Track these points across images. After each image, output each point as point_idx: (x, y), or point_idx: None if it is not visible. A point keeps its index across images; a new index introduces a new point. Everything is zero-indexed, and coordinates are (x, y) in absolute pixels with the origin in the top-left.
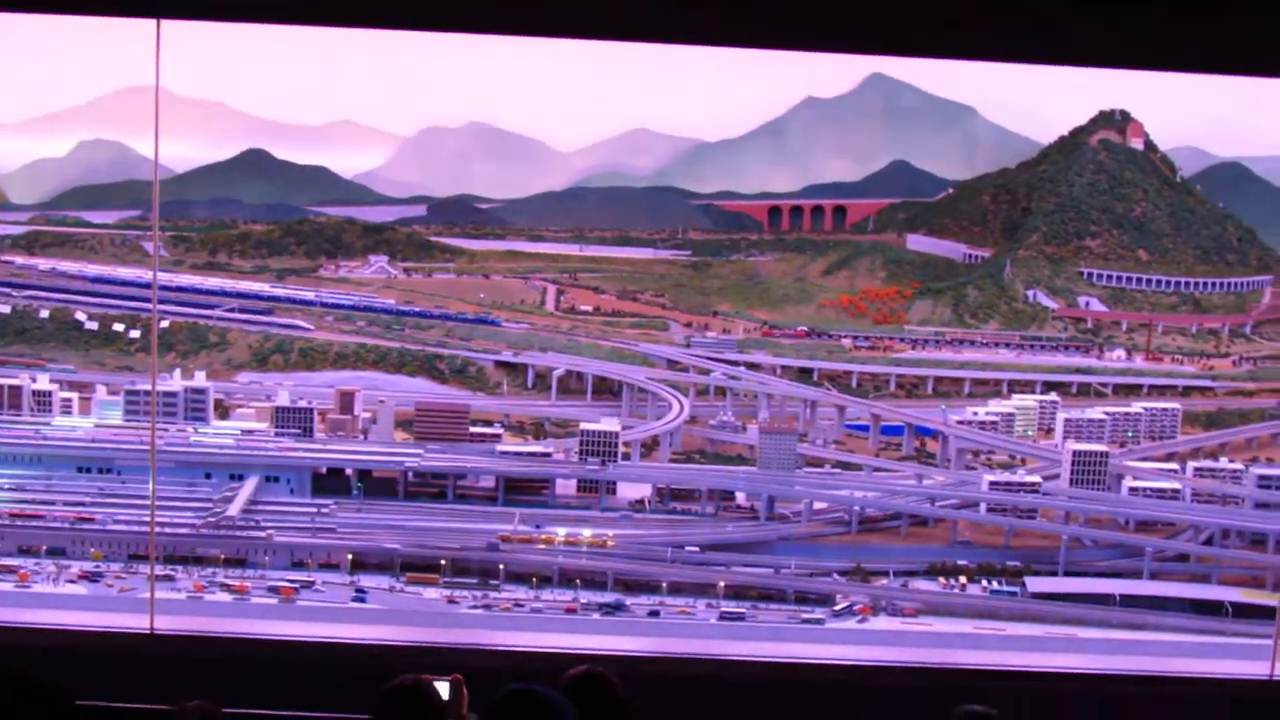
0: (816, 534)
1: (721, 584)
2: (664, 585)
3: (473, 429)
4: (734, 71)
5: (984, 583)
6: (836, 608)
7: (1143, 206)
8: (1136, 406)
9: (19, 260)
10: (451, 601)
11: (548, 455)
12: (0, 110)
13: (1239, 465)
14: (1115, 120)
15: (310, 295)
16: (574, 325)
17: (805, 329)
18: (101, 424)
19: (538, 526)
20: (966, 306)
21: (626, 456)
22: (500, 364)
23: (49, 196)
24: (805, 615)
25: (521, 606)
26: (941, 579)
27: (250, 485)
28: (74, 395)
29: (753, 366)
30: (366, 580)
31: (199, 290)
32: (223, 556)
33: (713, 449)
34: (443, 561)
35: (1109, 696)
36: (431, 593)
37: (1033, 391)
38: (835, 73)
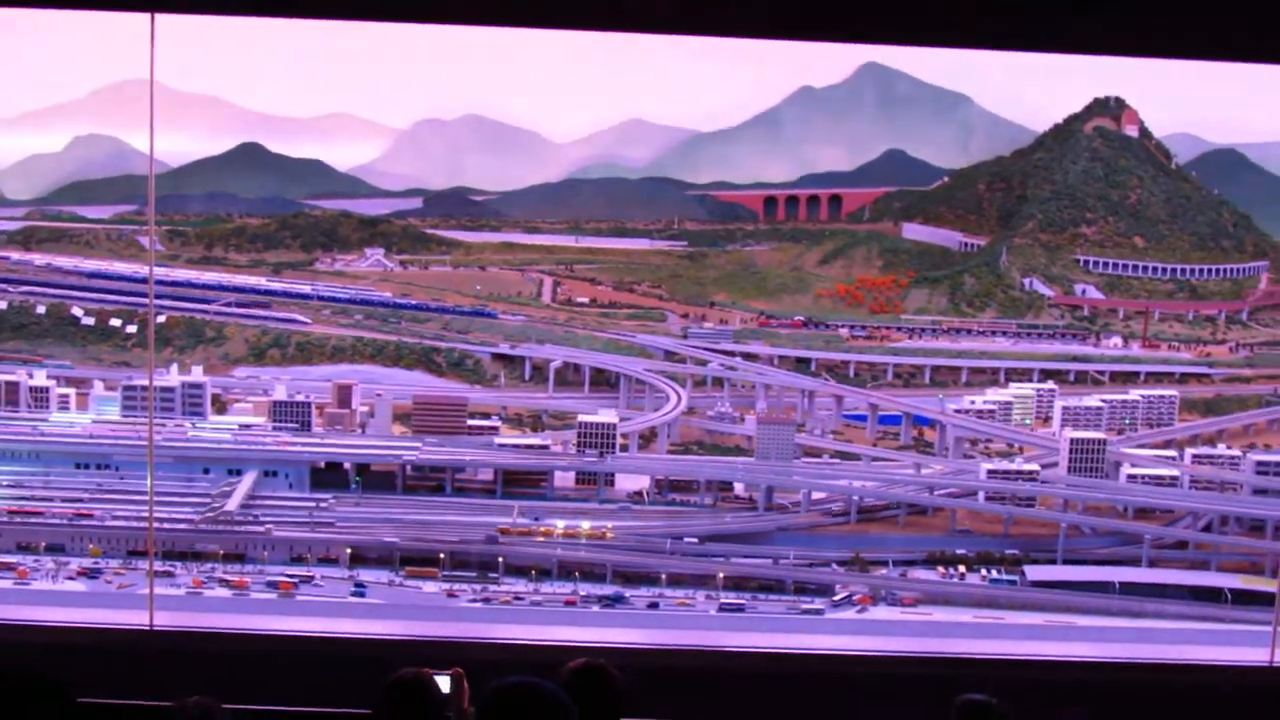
0: (815, 524)
1: (721, 575)
2: (663, 577)
3: (470, 422)
4: (728, 62)
5: (983, 571)
6: (836, 598)
7: (1138, 193)
8: (1134, 394)
9: (15, 256)
10: (451, 595)
11: (546, 447)
12: None
13: (1236, 452)
14: (1110, 107)
15: (307, 289)
16: (571, 317)
17: (802, 319)
18: (99, 420)
19: (536, 519)
20: (963, 295)
21: (625, 448)
22: (497, 356)
23: (44, 192)
24: (805, 605)
25: (521, 599)
26: (940, 568)
27: (248, 480)
28: (71, 391)
29: (750, 357)
30: (366, 574)
31: (195, 285)
32: (221, 552)
33: (711, 440)
34: (442, 555)
35: (1108, 684)
36: (431, 586)
37: (1030, 380)
38: (829, 62)
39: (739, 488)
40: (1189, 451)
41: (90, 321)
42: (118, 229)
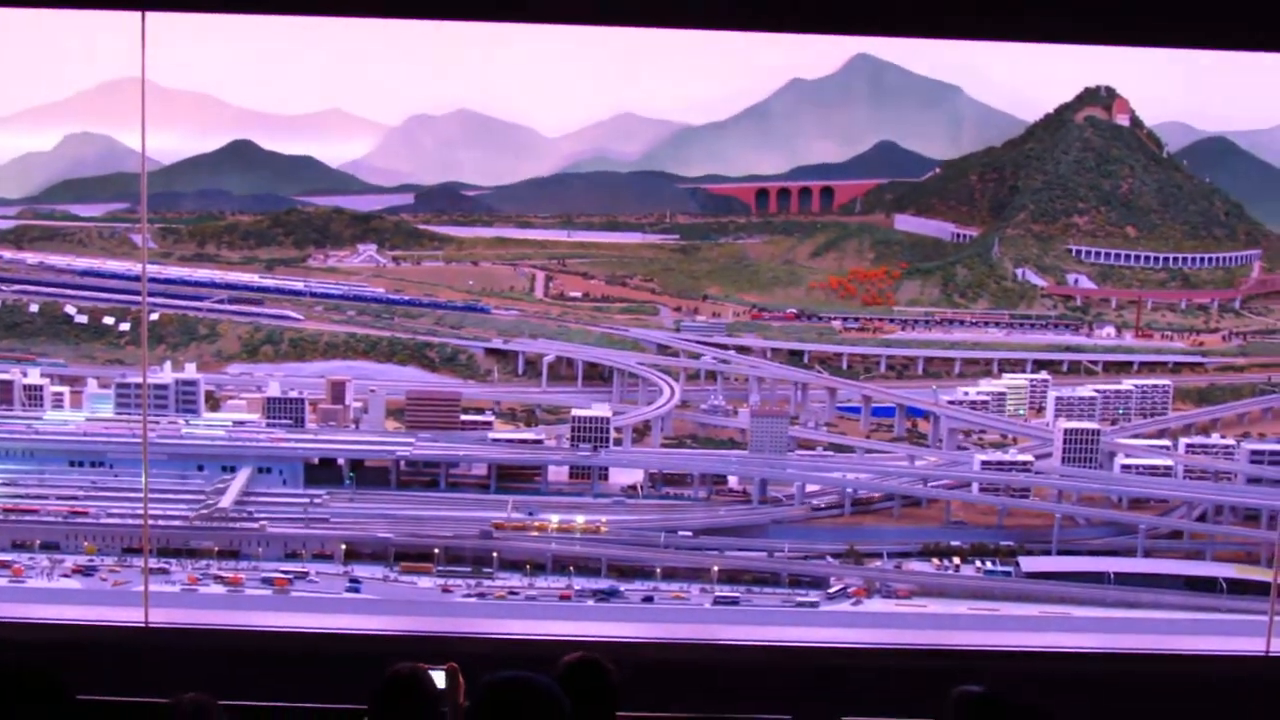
0: (810, 516)
1: (715, 568)
2: (658, 571)
3: (464, 417)
4: (719, 54)
5: (978, 563)
6: (831, 590)
7: (1130, 183)
8: (1127, 383)
9: (7, 254)
10: (445, 590)
11: (539, 442)
12: None
13: (1231, 441)
14: (1101, 97)
15: (299, 285)
16: (563, 311)
17: (795, 311)
18: (93, 417)
19: (531, 513)
20: (955, 286)
21: (618, 442)
22: (490, 351)
23: (36, 190)
24: (800, 598)
25: (516, 594)
26: (935, 560)
27: (242, 477)
28: (65, 389)
29: (743, 350)
30: (360, 570)
31: (188, 282)
32: (216, 548)
33: (704, 433)
34: (436, 550)
35: (1104, 675)
36: (425, 581)
37: (1023, 370)
38: (819, 54)
39: (733, 481)
40: (1183, 441)
41: (83, 319)
42: (110, 227)
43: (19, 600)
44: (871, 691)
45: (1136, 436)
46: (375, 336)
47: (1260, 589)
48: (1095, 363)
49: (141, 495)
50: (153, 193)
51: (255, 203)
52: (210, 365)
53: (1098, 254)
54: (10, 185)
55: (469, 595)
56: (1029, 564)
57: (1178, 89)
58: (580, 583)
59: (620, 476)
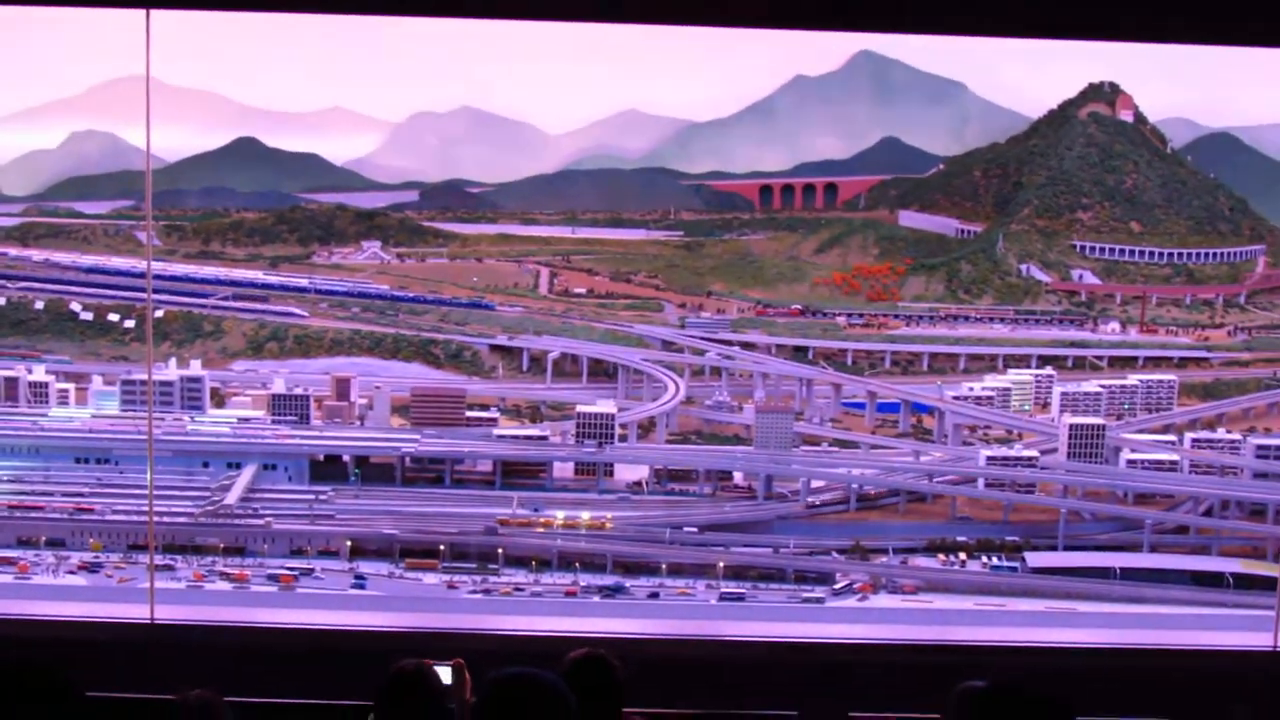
0: (807, 514)
1: (721, 564)
2: (663, 567)
3: (469, 413)
4: (723, 51)
5: (984, 558)
6: (836, 586)
7: (1134, 178)
8: (1132, 378)
9: (13, 252)
10: (451, 586)
11: (544, 438)
12: None
13: (1236, 436)
14: (1104, 93)
15: (304, 282)
16: (568, 308)
17: (799, 307)
18: (98, 414)
19: (536, 510)
20: (960, 282)
21: (623, 438)
22: (495, 348)
23: (42, 188)
24: (805, 594)
25: (521, 590)
26: (941, 555)
27: (248, 473)
28: (70, 386)
29: (748, 346)
30: (366, 566)
31: (193, 279)
32: (222, 545)
33: (709, 429)
34: (441, 546)
35: (1110, 670)
36: (431, 578)
37: (1028, 366)
38: (823, 51)
39: (738, 477)
40: (1188, 436)
41: (89, 316)
42: (115, 224)
43: (24, 597)
44: (877, 687)
45: (1142, 432)
46: (380, 333)
47: (1266, 584)
48: (1100, 358)
49: (147, 492)
50: (158, 190)
51: (260, 200)
52: (215, 362)
53: (1102, 249)
54: (16, 183)
55: (474, 591)
56: (1035, 559)
57: (1181, 85)
58: (586, 579)
59: (625, 473)
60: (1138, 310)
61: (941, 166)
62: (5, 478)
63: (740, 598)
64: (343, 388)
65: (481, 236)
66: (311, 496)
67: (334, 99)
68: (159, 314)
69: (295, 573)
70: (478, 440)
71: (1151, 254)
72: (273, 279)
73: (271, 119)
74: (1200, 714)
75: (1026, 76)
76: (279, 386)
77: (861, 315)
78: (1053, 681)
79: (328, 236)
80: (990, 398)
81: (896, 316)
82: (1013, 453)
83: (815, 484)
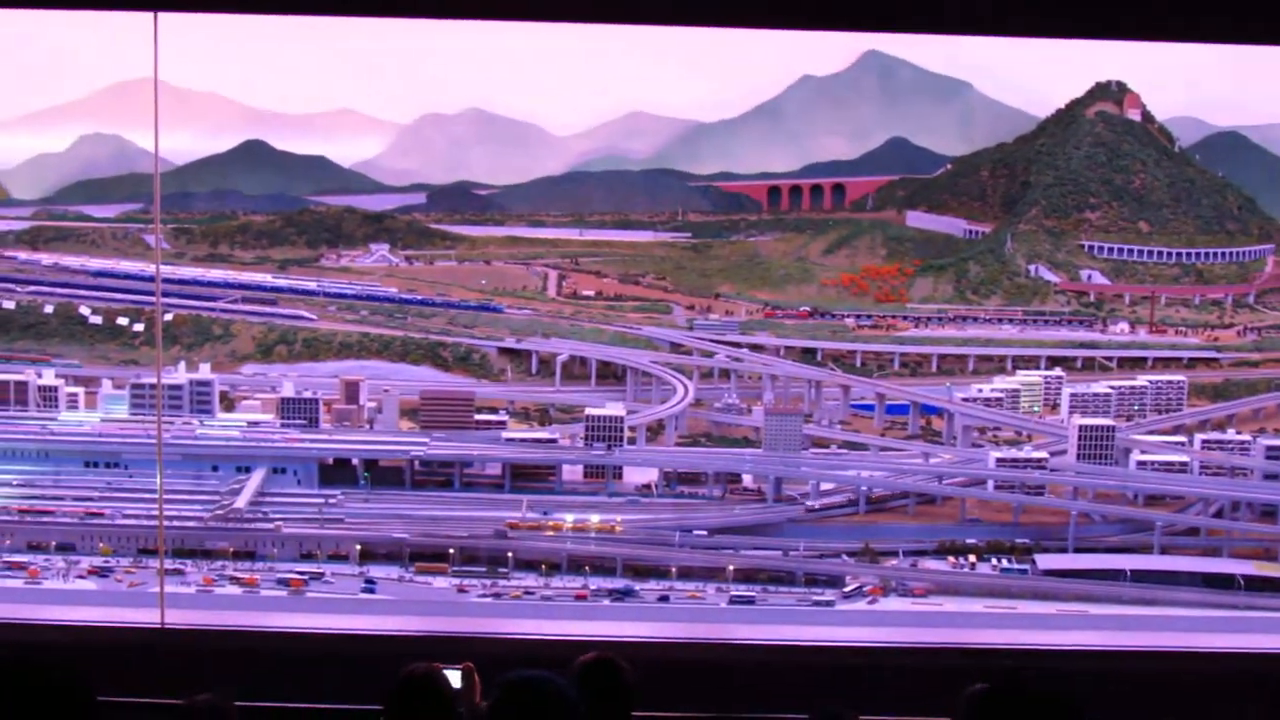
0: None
1: (730, 567)
2: (673, 570)
3: (478, 416)
4: (729, 51)
5: (994, 561)
6: (846, 589)
7: (1142, 178)
8: (1142, 379)
9: (22, 256)
10: (461, 590)
11: (553, 441)
12: (0, 106)
13: (1246, 436)
14: (1112, 92)
15: (313, 285)
16: (576, 310)
17: (808, 309)
18: (108, 418)
19: (545, 513)
20: (968, 282)
21: (632, 441)
22: (504, 351)
23: (50, 191)
24: (815, 597)
25: (531, 594)
26: (951, 558)
27: (257, 477)
28: (79, 390)
29: (756, 348)
30: (375, 570)
31: (202, 282)
32: (231, 549)
33: (718, 432)
34: (451, 550)
35: (1121, 673)
36: (441, 582)
37: (1037, 367)
38: (830, 51)
39: (747, 479)
40: (1199, 437)
41: (98, 320)
42: (124, 228)
43: (35, 602)
44: (888, 690)
45: (1152, 433)
46: (389, 336)
47: (1277, 586)
48: (1109, 359)
49: (157, 496)
50: (166, 193)
51: (268, 203)
52: (224, 366)
53: (1111, 249)
54: (24, 187)
55: (484, 595)
56: (1045, 561)
57: (1189, 83)
58: (596, 582)
59: (635, 475)
60: (1147, 310)
61: (949, 167)
62: (15, 482)
63: (750, 601)
64: (352, 391)
65: (489, 239)
66: (321, 500)
67: (342, 101)
68: (168, 317)
69: (305, 577)
70: (487, 443)
71: (1160, 254)
72: (281, 282)
73: (279, 121)
74: (1213, 716)
75: (1034, 76)
76: (288, 390)
77: (870, 316)
78: (1064, 684)
79: (336, 239)
80: (999, 399)
81: (905, 318)
82: (1022, 454)
83: (822, 487)
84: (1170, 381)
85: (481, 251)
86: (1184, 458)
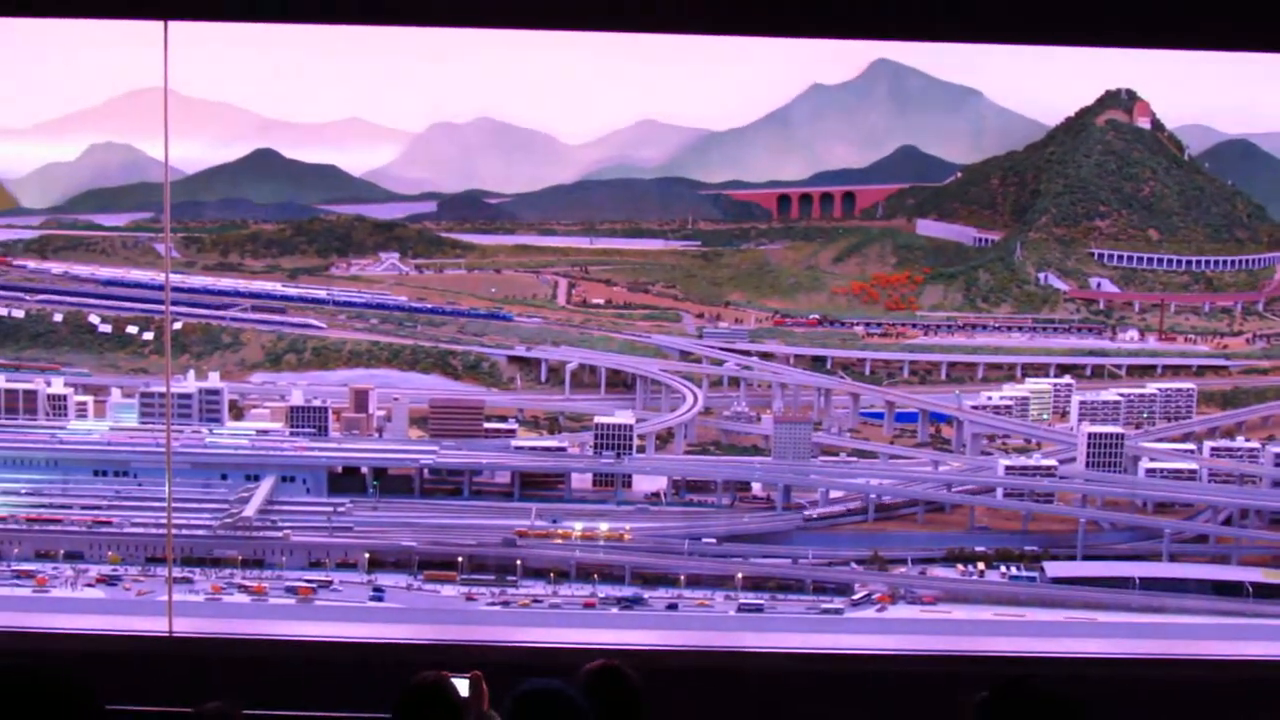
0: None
1: (739, 575)
2: (682, 578)
3: (487, 424)
4: (739, 60)
5: (1002, 568)
6: (855, 597)
7: (1151, 186)
8: (1151, 387)
9: (32, 264)
10: (469, 598)
11: (563, 449)
12: (10, 115)
13: (1255, 444)
14: (1121, 100)
15: (322, 294)
16: (586, 319)
17: (817, 317)
18: (117, 427)
19: (554, 521)
20: (978, 290)
21: (641, 449)
22: (513, 359)
23: (60, 200)
24: (824, 605)
25: (540, 602)
26: (960, 565)
27: (266, 485)
28: (89, 399)
29: (766, 356)
30: (384, 579)
31: (211, 291)
32: (240, 557)
33: (728, 440)
34: (460, 558)
35: (1130, 680)
36: (449, 590)
37: (1046, 375)
38: (840, 59)
39: (756, 487)
40: (1208, 444)
41: (107, 329)
42: (134, 236)
43: (43, 610)
44: (897, 697)
45: (1161, 440)
46: (398, 344)
47: None
48: (1119, 366)
49: (165, 505)
50: (176, 202)
51: (278, 211)
52: (234, 374)
53: (1120, 257)
54: (34, 195)
55: (493, 603)
56: (1054, 569)
57: (1198, 91)
58: (604, 590)
59: (644, 483)
60: (1156, 318)
61: (959, 175)
62: (23, 490)
63: (759, 609)
64: (361, 399)
65: (500, 247)
66: (330, 508)
67: (352, 110)
68: (177, 326)
69: (314, 585)
70: (496, 451)
71: (1169, 261)
72: (291, 291)
73: (290, 130)
74: None
75: (1044, 84)
76: (297, 398)
77: (880, 324)
78: (1072, 691)
79: (346, 248)
80: (1009, 407)
81: (915, 325)
82: (1031, 462)
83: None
84: (1179, 389)
85: (491, 260)
86: (1193, 465)
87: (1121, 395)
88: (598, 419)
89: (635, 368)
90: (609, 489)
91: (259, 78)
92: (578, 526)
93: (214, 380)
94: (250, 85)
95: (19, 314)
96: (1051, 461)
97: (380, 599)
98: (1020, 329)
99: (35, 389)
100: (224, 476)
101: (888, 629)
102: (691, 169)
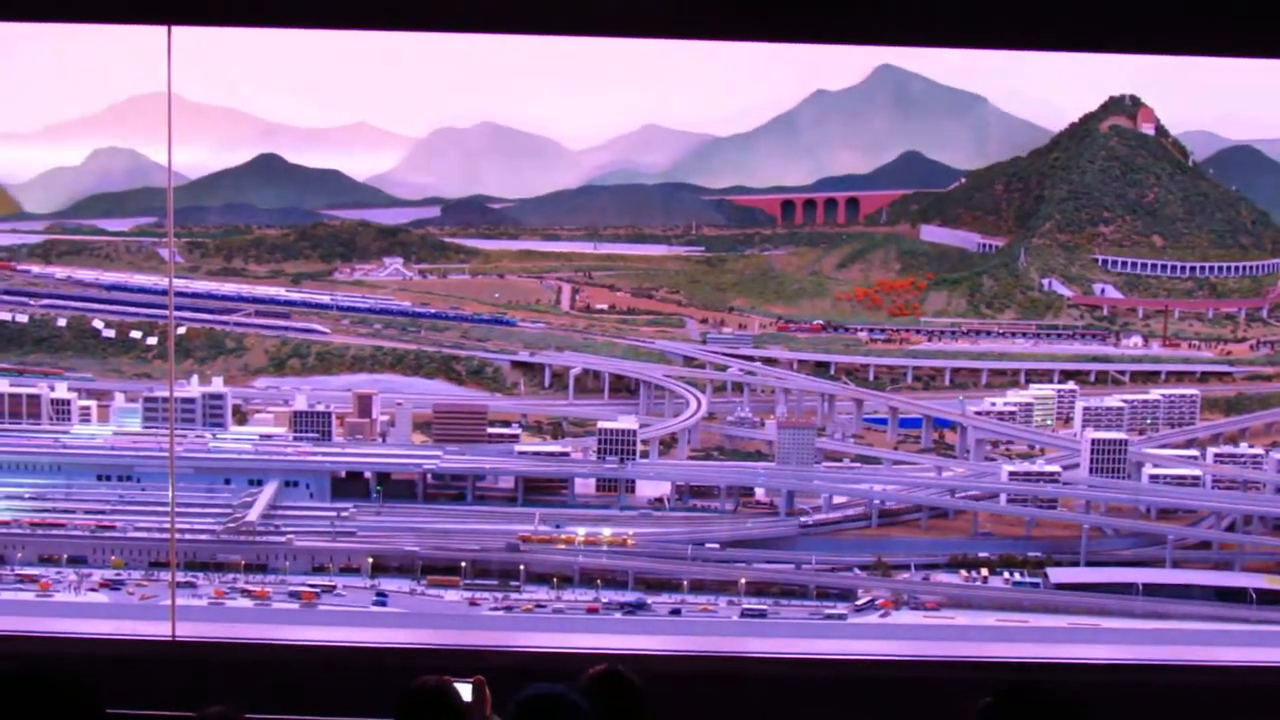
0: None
1: (743, 580)
2: (685, 583)
3: (491, 430)
4: (743, 65)
5: (1006, 574)
6: (858, 602)
7: (1155, 192)
8: (1155, 393)
9: (36, 269)
10: (473, 603)
11: (566, 454)
12: (15, 120)
13: (1259, 450)
14: (1125, 106)
15: (326, 299)
16: (590, 324)
17: (821, 323)
18: (120, 431)
19: (558, 526)
20: (982, 296)
21: (645, 454)
22: (517, 364)
23: (64, 205)
24: (828, 610)
25: (543, 607)
26: (963, 571)
27: (270, 490)
28: (92, 403)
29: (769, 361)
30: (387, 583)
31: (215, 296)
32: (243, 562)
33: (731, 445)
34: (463, 563)
35: (1133, 686)
36: (452, 595)
37: (1050, 381)
38: (844, 65)
39: (760, 493)
40: (1211, 451)
41: (111, 334)
42: (137, 241)
43: (46, 614)
44: (900, 703)
45: (1164, 446)
46: (402, 349)
47: None
48: (1122, 373)
49: (169, 509)
50: (180, 207)
51: (282, 216)
52: (237, 379)
53: (1124, 263)
54: (39, 200)
55: (496, 608)
56: (1057, 575)
57: (1203, 97)
58: (607, 595)
59: (647, 489)
60: (1160, 324)
61: (963, 181)
62: (27, 495)
63: (762, 614)
64: (364, 404)
65: (503, 252)
66: (333, 513)
67: (356, 115)
68: (181, 331)
69: (317, 589)
70: (499, 456)
71: (1173, 268)
72: (295, 296)
73: (293, 135)
74: None
75: (1048, 90)
76: (301, 403)
77: (883, 330)
78: (1075, 697)
79: (350, 253)
80: (1012, 413)
81: (918, 331)
82: (1035, 468)
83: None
84: (1183, 395)
85: (495, 265)
86: (1196, 471)
87: (1125, 401)
88: (601, 424)
89: (639, 373)
90: (612, 494)
91: (262, 83)
92: (581, 531)
93: (217, 385)
94: (254, 90)
95: (23, 318)
96: (1055, 467)
97: (383, 603)
98: (1024, 335)
99: (39, 393)
100: (227, 481)
101: (891, 634)
102: (695, 174)
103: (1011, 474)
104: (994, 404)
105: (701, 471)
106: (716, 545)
